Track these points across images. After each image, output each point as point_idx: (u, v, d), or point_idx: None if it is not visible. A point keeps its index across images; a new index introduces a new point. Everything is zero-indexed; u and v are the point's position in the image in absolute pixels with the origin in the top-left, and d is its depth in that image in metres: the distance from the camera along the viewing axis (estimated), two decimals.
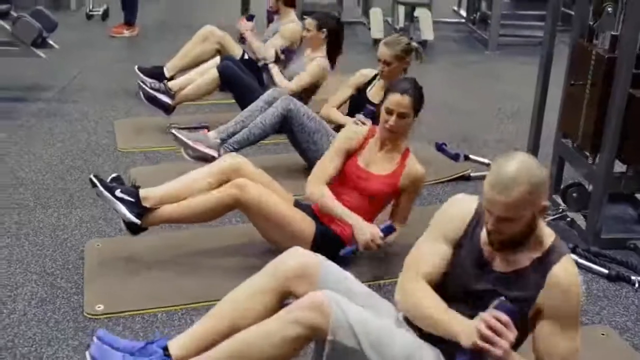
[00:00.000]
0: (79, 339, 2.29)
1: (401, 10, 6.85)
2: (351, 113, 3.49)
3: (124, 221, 2.62)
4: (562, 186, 3.35)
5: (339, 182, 2.76)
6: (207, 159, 3.30)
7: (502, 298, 1.70)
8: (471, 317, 1.70)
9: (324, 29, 3.93)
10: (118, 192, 2.59)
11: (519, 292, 1.75)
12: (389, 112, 2.64)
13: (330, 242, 2.64)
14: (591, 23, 3.22)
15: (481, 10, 7.52)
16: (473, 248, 1.83)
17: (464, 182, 3.68)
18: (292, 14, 4.52)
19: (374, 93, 3.47)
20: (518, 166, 1.66)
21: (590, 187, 3.15)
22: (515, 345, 1.70)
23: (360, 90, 3.56)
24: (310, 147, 3.42)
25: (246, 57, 4.47)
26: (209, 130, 3.59)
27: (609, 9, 3.14)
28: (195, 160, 3.33)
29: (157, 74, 4.44)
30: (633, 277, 2.75)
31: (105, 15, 7.06)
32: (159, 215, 2.63)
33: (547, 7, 3.49)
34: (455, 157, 3.66)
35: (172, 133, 3.40)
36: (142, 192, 2.62)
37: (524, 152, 1.79)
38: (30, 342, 2.27)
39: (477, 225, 1.84)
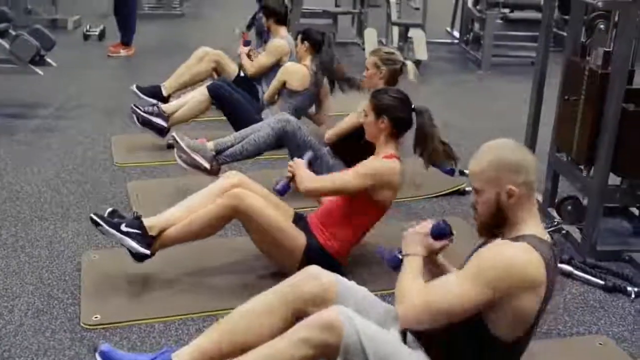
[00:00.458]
0: (75, 349, 2.28)
1: (395, 30, 6.94)
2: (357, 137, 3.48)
3: (131, 252, 2.59)
4: (557, 199, 3.37)
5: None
6: (199, 168, 3.34)
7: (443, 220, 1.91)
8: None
9: (305, 41, 4.08)
10: (123, 227, 2.56)
11: None
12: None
13: (319, 256, 2.64)
14: (583, 40, 3.27)
15: (474, 31, 7.62)
16: None
17: (458, 196, 3.71)
18: (282, 31, 4.61)
19: None
20: (494, 142, 1.82)
21: (585, 200, 3.17)
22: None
23: None
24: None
25: (242, 74, 4.53)
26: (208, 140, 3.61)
27: (601, 26, 3.21)
28: (185, 165, 3.35)
29: (154, 92, 4.49)
30: (629, 288, 2.77)
31: (101, 35, 7.15)
32: (163, 241, 2.62)
33: (540, 28, 3.55)
34: (450, 172, 3.68)
35: (172, 136, 3.42)
36: (147, 222, 2.60)
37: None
38: (27, 352, 2.26)
39: None
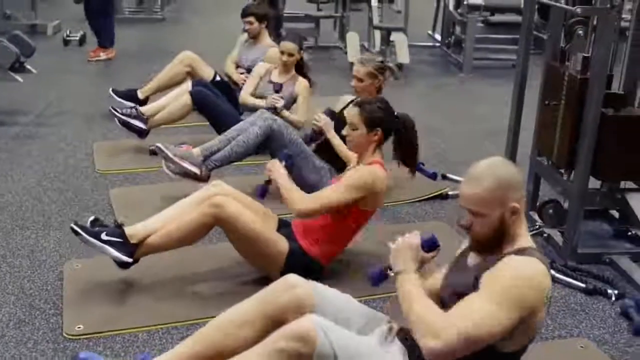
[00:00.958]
0: None
1: (377, 34, 6.97)
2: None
3: (114, 260, 2.59)
4: (538, 203, 3.41)
5: None
6: (189, 175, 3.32)
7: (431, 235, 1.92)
8: None
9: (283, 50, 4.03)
10: (104, 236, 2.56)
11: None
12: (346, 122, 2.73)
13: (302, 262, 2.65)
14: (563, 45, 3.31)
15: (455, 34, 7.67)
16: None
17: (441, 200, 3.73)
18: (267, 36, 4.66)
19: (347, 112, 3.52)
20: (487, 163, 1.78)
21: (565, 204, 3.21)
22: None
23: (339, 112, 3.63)
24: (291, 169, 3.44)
25: (217, 78, 4.57)
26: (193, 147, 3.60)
27: (580, 32, 3.24)
28: (175, 175, 3.33)
29: (131, 96, 4.58)
30: (610, 291, 2.80)
31: (82, 40, 7.11)
32: (146, 249, 2.61)
33: (521, 31, 3.58)
34: (432, 176, 3.70)
35: (157, 146, 3.39)
36: (128, 230, 2.59)
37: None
38: None
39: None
